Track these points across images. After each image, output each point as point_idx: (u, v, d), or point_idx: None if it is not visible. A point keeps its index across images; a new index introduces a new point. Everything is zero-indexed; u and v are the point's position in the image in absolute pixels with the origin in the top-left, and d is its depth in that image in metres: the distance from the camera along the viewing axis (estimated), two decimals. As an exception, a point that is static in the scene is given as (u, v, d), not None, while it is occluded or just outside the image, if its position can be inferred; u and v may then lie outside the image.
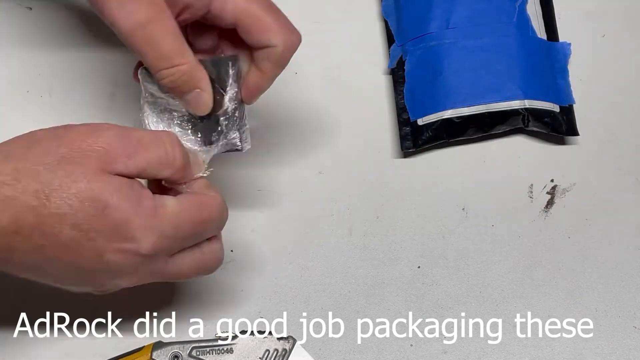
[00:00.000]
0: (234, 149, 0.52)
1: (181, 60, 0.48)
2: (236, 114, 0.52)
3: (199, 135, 0.52)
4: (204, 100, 0.50)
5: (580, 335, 0.58)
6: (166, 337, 0.57)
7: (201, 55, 0.52)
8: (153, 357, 0.54)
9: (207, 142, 0.52)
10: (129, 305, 0.58)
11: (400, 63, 0.65)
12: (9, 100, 0.64)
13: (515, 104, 0.62)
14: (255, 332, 0.55)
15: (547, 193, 0.62)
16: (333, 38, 0.67)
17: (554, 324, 0.58)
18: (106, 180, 0.44)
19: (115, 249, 0.45)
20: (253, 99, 0.53)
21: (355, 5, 0.68)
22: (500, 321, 0.58)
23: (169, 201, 0.46)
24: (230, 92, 0.52)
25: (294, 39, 0.52)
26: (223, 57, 0.53)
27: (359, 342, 0.58)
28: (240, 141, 0.52)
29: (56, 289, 0.49)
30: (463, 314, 0.58)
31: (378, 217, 0.61)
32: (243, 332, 0.55)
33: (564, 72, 0.65)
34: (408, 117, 0.63)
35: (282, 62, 0.52)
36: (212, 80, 0.51)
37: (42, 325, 0.58)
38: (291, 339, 0.55)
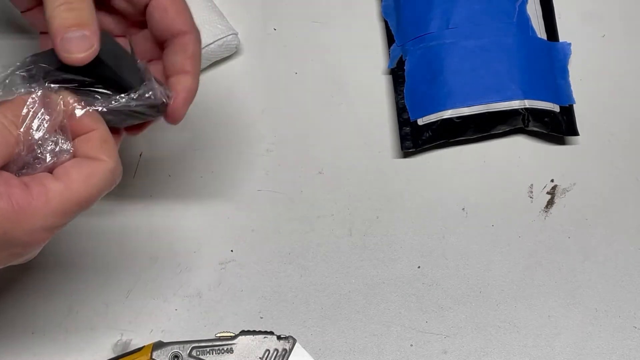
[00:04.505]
0: (152, 104, 0.47)
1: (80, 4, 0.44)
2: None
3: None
4: (87, 43, 0.43)
5: (580, 335, 0.58)
6: (166, 337, 0.57)
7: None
8: (153, 357, 0.54)
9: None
10: (129, 305, 0.58)
11: (400, 63, 0.65)
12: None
13: (515, 104, 0.62)
14: (255, 332, 0.55)
15: (547, 193, 0.62)
16: (333, 38, 0.67)
17: (554, 323, 0.58)
18: None
19: None
20: (181, 109, 0.49)
21: (355, 5, 0.68)
22: (500, 321, 0.58)
23: (49, 184, 0.42)
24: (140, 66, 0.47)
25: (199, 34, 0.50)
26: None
27: (359, 342, 0.58)
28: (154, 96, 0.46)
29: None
30: (463, 314, 0.58)
31: (378, 217, 0.61)
32: (243, 332, 0.55)
33: (564, 72, 0.65)
34: (408, 117, 0.63)
35: (196, 54, 0.49)
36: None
37: (41, 325, 0.58)
38: (291, 339, 0.55)
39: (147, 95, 0.46)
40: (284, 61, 0.66)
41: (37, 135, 0.43)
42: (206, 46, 0.63)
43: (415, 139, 0.63)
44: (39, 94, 0.43)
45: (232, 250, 0.60)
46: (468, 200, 0.62)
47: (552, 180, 0.63)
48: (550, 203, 0.62)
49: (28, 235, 0.42)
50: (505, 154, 0.63)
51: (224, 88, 0.65)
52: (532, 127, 0.62)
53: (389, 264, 0.60)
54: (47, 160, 0.43)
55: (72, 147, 0.44)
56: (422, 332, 0.58)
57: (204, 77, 0.65)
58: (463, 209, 0.62)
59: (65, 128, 0.44)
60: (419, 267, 0.60)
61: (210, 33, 0.63)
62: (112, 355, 0.56)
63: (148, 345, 0.54)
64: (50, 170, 0.43)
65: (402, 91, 0.64)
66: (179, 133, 0.64)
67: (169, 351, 0.54)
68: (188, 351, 0.54)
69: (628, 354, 0.57)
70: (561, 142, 0.64)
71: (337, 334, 0.58)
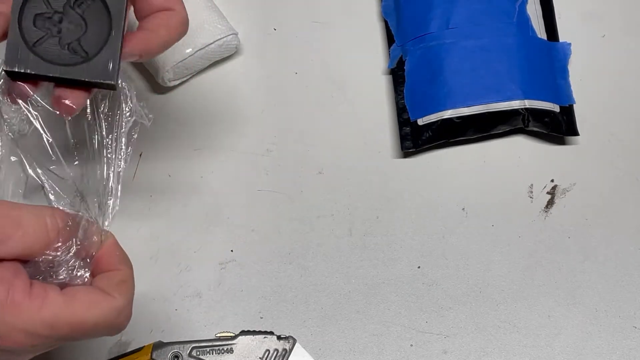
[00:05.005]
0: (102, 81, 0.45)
1: None
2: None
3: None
4: None
5: (580, 335, 0.58)
6: (166, 337, 0.57)
7: None
8: (153, 357, 0.54)
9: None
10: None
11: (400, 63, 0.65)
12: None
13: (515, 104, 0.62)
14: (255, 332, 0.55)
15: (547, 193, 0.62)
16: (333, 38, 0.67)
17: (554, 323, 0.58)
18: None
19: None
20: (136, 54, 0.46)
21: (355, 5, 0.68)
22: (500, 321, 0.58)
23: (51, 293, 0.40)
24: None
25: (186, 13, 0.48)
26: None
27: (359, 342, 0.58)
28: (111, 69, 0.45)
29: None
30: (463, 314, 0.58)
31: (378, 217, 0.61)
32: (243, 332, 0.55)
33: (564, 72, 0.65)
34: (408, 117, 0.63)
35: (181, 30, 0.48)
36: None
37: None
38: (291, 339, 0.55)
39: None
40: (284, 61, 0.66)
41: (64, 255, 0.42)
42: (206, 46, 0.63)
43: (415, 139, 0.63)
44: (83, 219, 0.43)
45: (232, 250, 0.60)
46: (468, 200, 0.62)
47: (552, 180, 0.63)
48: (550, 203, 0.62)
49: (6, 328, 0.39)
50: (505, 154, 0.63)
51: (224, 88, 0.65)
52: (532, 127, 0.62)
53: (389, 264, 0.60)
54: (61, 278, 0.42)
55: (89, 277, 0.43)
56: (422, 332, 0.58)
57: (204, 77, 0.65)
58: (463, 209, 0.62)
59: (91, 258, 0.43)
60: (419, 267, 0.60)
61: (210, 33, 0.63)
62: (112, 355, 0.56)
63: (148, 345, 0.54)
64: (60, 286, 0.42)
65: (402, 91, 0.64)
66: (179, 133, 0.64)
67: (169, 351, 0.54)
68: (188, 351, 0.54)
69: (628, 354, 0.57)
70: (561, 142, 0.64)
71: (337, 334, 0.58)
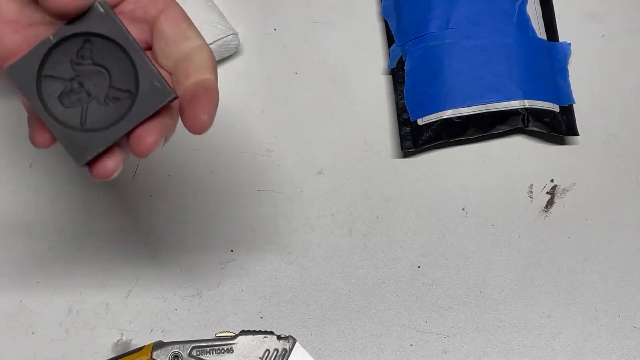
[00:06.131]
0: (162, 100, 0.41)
1: None
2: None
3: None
4: None
5: (580, 335, 0.58)
6: (166, 337, 0.57)
7: None
8: (153, 357, 0.54)
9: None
10: (129, 305, 0.58)
11: (400, 63, 0.65)
12: None
13: (515, 104, 0.62)
14: (255, 332, 0.55)
15: (547, 193, 0.62)
16: (333, 38, 0.67)
17: (554, 323, 0.58)
18: None
19: None
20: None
21: (355, 5, 0.68)
22: (500, 321, 0.58)
23: None
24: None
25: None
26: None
27: (359, 342, 0.58)
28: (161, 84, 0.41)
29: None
30: (463, 314, 0.58)
31: (378, 217, 0.61)
32: (243, 332, 0.55)
33: (563, 72, 0.65)
34: (408, 117, 0.63)
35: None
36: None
37: (42, 325, 0.58)
38: (291, 339, 0.55)
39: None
40: (284, 61, 0.66)
41: None
42: (206, 46, 0.63)
43: (415, 139, 0.63)
44: None
45: (232, 250, 0.60)
46: (468, 200, 0.62)
47: (552, 180, 0.63)
48: (550, 203, 0.62)
49: None
50: (505, 154, 0.63)
51: (224, 88, 0.65)
52: (532, 127, 0.62)
53: (389, 264, 0.60)
54: None
55: None
56: (422, 332, 0.58)
57: (204, 77, 0.65)
58: (463, 209, 0.62)
59: None
60: (419, 267, 0.60)
61: (210, 33, 0.63)
62: (112, 355, 0.56)
63: (148, 345, 0.54)
64: None
65: (402, 91, 0.64)
66: (179, 133, 0.64)
67: (169, 351, 0.54)
68: (188, 351, 0.54)
69: (628, 354, 0.57)
70: (561, 142, 0.64)
71: (337, 334, 0.58)
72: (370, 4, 0.68)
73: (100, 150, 0.40)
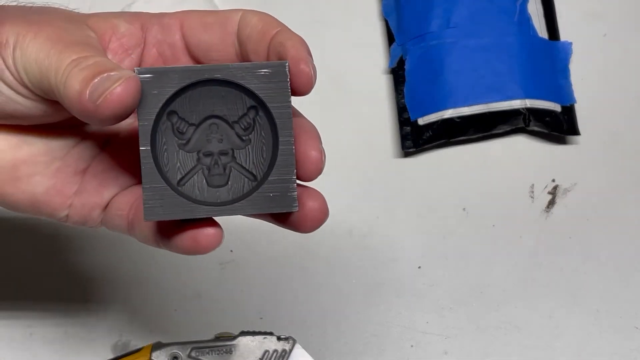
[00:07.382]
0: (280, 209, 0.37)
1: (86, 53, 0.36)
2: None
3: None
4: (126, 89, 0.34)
5: (582, 335, 0.58)
6: (166, 337, 0.57)
7: None
8: (152, 357, 0.54)
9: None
10: (129, 305, 0.58)
11: (401, 62, 0.64)
12: None
13: (516, 104, 0.62)
14: (255, 333, 0.55)
15: (549, 193, 0.62)
16: (333, 38, 0.67)
17: (555, 324, 0.58)
18: None
19: None
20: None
21: (355, 5, 0.68)
22: (501, 322, 0.58)
23: None
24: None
25: None
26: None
27: (359, 342, 0.58)
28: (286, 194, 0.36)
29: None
30: (464, 315, 0.58)
31: (378, 217, 0.61)
32: (243, 332, 0.55)
33: (565, 72, 0.65)
34: (408, 117, 0.63)
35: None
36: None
37: (41, 326, 0.58)
38: (291, 339, 0.55)
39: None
40: (284, 61, 0.66)
41: None
42: (206, 46, 0.63)
43: (415, 138, 0.62)
44: None
45: (232, 250, 0.60)
46: (469, 200, 0.62)
47: (553, 180, 0.62)
48: (551, 203, 0.62)
49: None
50: (506, 154, 0.63)
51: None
52: (533, 127, 0.62)
53: (389, 264, 0.60)
54: None
55: None
56: (423, 332, 0.58)
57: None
58: (464, 209, 0.62)
59: None
60: (419, 267, 0.60)
61: (210, 33, 0.63)
62: (111, 356, 0.56)
63: (147, 346, 0.54)
64: None
65: (403, 91, 0.64)
66: (179, 133, 0.64)
67: (168, 351, 0.54)
68: (188, 352, 0.54)
69: (629, 355, 0.57)
70: (562, 141, 0.64)
71: (337, 334, 0.58)
72: (370, 3, 0.68)
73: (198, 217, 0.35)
